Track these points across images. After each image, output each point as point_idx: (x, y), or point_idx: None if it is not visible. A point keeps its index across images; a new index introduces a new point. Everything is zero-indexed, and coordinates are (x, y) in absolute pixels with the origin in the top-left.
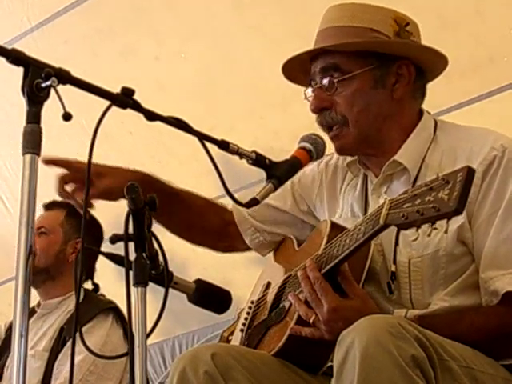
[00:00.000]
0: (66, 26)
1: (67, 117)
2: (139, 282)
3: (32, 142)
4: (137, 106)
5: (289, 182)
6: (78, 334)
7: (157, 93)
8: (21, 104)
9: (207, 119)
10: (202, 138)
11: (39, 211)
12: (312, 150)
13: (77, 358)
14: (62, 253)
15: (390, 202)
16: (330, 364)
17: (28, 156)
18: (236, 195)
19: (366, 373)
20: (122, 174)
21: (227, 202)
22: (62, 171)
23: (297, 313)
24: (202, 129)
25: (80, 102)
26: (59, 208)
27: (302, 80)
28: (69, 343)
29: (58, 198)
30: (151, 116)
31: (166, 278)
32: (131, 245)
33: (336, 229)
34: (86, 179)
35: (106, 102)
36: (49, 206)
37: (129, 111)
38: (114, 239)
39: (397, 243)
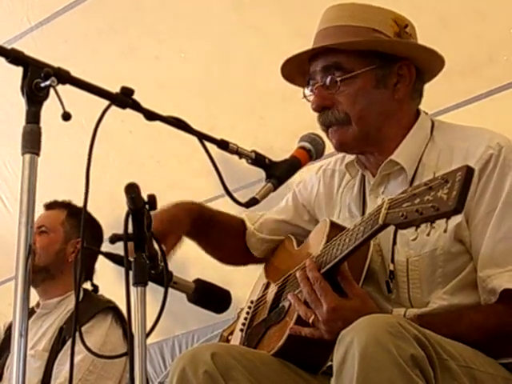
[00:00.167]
0: (66, 25)
1: (66, 116)
2: (139, 282)
3: (31, 141)
4: (136, 106)
5: (290, 195)
6: (77, 334)
7: (156, 92)
8: (20, 104)
9: (207, 119)
10: (202, 137)
11: (39, 211)
12: (311, 150)
13: (76, 358)
14: (62, 252)
15: (390, 201)
16: (329, 363)
17: (27, 156)
18: (235, 195)
19: (365, 372)
20: (179, 224)
21: (227, 202)
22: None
23: (296, 313)
24: (201, 128)
25: (79, 102)
26: (60, 208)
27: (299, 81)
28: (68, 343)
29: (59, 198)
30: (151, 115)
31: (165, 278)
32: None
33: (335, 228)
34: (86, 180)
35: (106, 102)
36: (50, 206)
37: (128, 111)
38: (114, 239)
39: (394, 242)
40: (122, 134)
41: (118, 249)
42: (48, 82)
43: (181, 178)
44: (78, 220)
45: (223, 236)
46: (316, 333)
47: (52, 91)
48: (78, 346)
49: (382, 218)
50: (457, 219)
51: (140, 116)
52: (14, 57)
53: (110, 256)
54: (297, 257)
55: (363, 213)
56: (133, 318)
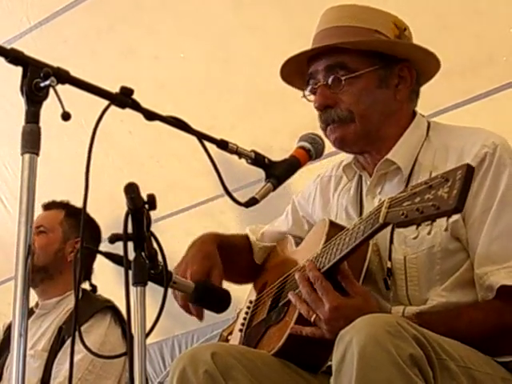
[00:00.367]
0: (65, 25)
1: (66, 116)
2: (138, 282)
3: (31, 141)
4: (136, 106)
5: (290, 206)
6: (76, 333)
7: (156, 92)
8: (20, 104)
9: (206, 119)
10: (201, 137)
11: (38, 211)
12: (311, 150)
13: (76, 357)
14: (60, 252)
15: (390, 200)
16: (329, 363)
17: (27, 156)
18: (235, 194)
19: (364, 371)
20: (214, 257)
21: (227, 202)
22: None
23: (296, 312)
24: (201, 128)
25: (79, 102)
26: (58, 208)
27: (297, 82)
28: (68, 342)
29: (59, 198)
30: (150, 115)
31: (165, 278)
32: (130, 244)
33: (334, 228)
34: (85, 180)
35: (106, 102)
36: (48, 206)
37: (128, 110)
38: (113, 239)
39: (391, 241)
40: (122, 133)
41: (117, 249)
42: (47, 82)
43: (180, 177)
44: (76, 220)
45: (239, 256)
46: (317, 332)
47: (51, 91)
48: (78, 346)
49: (383, 217)
50: (453, 217)
51: (139, 116)
52: (14, 57)
53: (110, 256)
54: (295, 256)
55: (360, 214)
56: (132, 317)
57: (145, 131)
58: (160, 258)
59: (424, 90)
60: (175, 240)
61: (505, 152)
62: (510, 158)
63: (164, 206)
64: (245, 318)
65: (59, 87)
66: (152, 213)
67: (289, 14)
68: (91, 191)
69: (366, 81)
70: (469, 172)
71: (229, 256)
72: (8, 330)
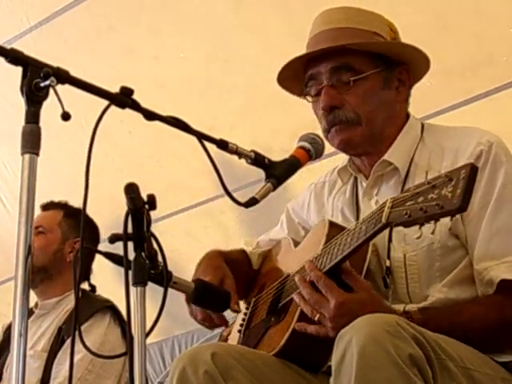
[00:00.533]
0: (65, 25)
1: (66, 116)
2: (138, 282)
3: (31, 141)
4: (136, 106)
5: (284, 215)
6: (76, 333)
7: (156, 92)
8: (20, 103)
9: (206, 119)
10: (201, 137)
11: (37, 211)
12: (311, 150)
13: (75, 357)
14: (59, 252)
15: (392, 200)
16: (330, 363)
17: (27, 156)
18: (235, 195)
19: (363, 371)
20: (223, 268)
21: (226, 202)
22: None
23: (298, 312)
24: (200, 128)
25: (79, 102)
26: (56, 208)
27: (292, 87)
28: (67, 342)
29: (59, 198)
30: (150, 115)
31: (165, 278)
32: (130, 244)
33: (334, 228)
34: (85, 180)
35: (106, 102)
36: (46, 207)
37: (128, 111)
38: (113, 239)
39: (390, 240)
40: (122, 134)
41: (117, 249)
42: (47, 82)
43: (180, 178)
44: (74, 220)
45: (241, 269)
46: (321, 330)
47: (51, 91)
48: (77, 346)
49: (386, 217)
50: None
51: (139, 116)
52: (14, 57)
53: (110, 256)
54: (295, 257)
55: (357, 215)
56: (132, 318)
57: (145, 131)
58: (160, 258)
59: (424, 90)
60: (175, 240)
61: (500, 149)
62: (505, 156)
63: (164, 206)
64: (243, 319)
65: (59, 87)
66: (152, 213)
67: (289, 14)
68: (91, 191)
69: (371, 82)
70: (473, 171)
71: (233, 270)
72: (8, 330)
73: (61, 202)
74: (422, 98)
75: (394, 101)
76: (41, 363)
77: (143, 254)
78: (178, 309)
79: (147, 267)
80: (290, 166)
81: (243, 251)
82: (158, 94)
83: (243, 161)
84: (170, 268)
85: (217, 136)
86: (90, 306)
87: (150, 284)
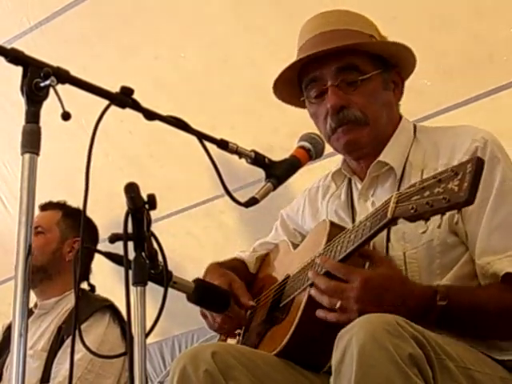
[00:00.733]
0: (65, 25)
1: (66, 116)
2: (138, 282)
3: (31, 141)
4: (136, 106)
5: (278, 221)
6: (76, 332)
7: (156, 92)
8: (21, 103)
9: (206, 118)
10: (201, 137)
11: (36, 211)
12: (311, 149)
13: (75, 357)
14: (58, 251)
15: (398, 195)
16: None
17: (27, 155)
18: (235, 194)
19: (363, 371)
20: (228, 274)
21: (227, 202)
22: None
23: (300, 311)
24: (201, 128)
25: (79, 101)
26: (55, 208)
27: (284, 94)
28: (67, 342)
29: (59, 198)
30: (150, 115)
31: (165, 278)
32: (130, 244)
33: (336, 228)
34: (85, 180)
35: (106, 102)
36: (45, 207)
37: (128, 110)
38: (114, 238)
39: (388, 239)
40: (122, 133)
41: (117, 249)
42: (47, 82)
43: (180, 177)
44: (73, 220)
45: (240, 277)
46: (342, 317)
47: (52, 91)
48: (77, 345)
49: (391, 212)
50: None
51: (139, 116)
52: (14, 56)
53: (110, 255)
54: (295, 258)
55: (353, 217)
56: (132, 317)
57: (145, 131)
58: (160, 257)
59: (424, 89)
60: (175, 240)
61: (495, 146)
62: (500, 152)
63: (164, 206)
64: None
65: (59, 87)
66: (152, 212)
67: (288, 14)
68: (91, 191)
69: (374, 83)
70: (479, 165)
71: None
72: (8, 330)
73: (59, 202)
74: (422, 98)
75: (393, 102)
76: (40, 363)
77: (143, 253)
78: (178, 309)
79: (147, 267)
80: (291, 166)
81: (237, 259)
82: (158, 94)
83: (243, 160)
84: (170, 268)
85: (217, 136)
86: (90, 305)
87: (150, 284)
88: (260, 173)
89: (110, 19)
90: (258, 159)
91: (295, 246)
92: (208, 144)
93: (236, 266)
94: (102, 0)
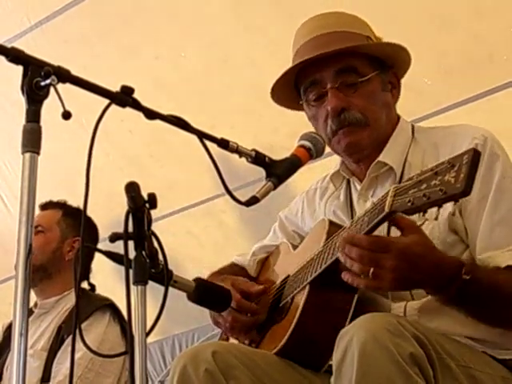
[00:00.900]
0: (66, 24)
1: (67, 115)
2: (139, 281)
3: (31, 140)
4: (136, 105)
5: (277, 223)
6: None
7: (156, 91)
8: (21, 102)
9: (207, 117)
10: (202, 136)
11: (37, 211)
12: (312, 148)
13: (76, 356)
14: (58, 251)
15: (395, 189)
16: (331, 362)
17: (27, 155)
18: (236, 193)
19: (363, 370)
20: (231, 277)
21: (227, 201)
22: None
23: (299, 311)
24: (201, 127)
25: (80, 101)
26: (55, 207)
27: (282, 99)
28: (67, 341)
29: (59, 197)
30: (151, 114)
31: (165, 277)
32: (131, 243)
33: (334, 226)
34: (86, 179)
35: (106, 101)
36: (45, 206)
37: (128, 110)
38: (114, 238)
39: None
40: (122, 133)
41: (117, 248)
42: (48, 81)
43: (181, 176)
44: (73, 219)
45: None
46: (372, 283)
47: (52, 90)
48: (77, 344)
49: (389, 206)
50: (449, 209)
51: (140, 115)
52: (14, 56)
53: (111, 255)
54: (295, 258)
55: (352, 218)
56: (133, 317)
57: (145, 130)
58: (160, 256)
59: (424, 89)
60: (176, 239)
61: (494, 143)
62: (500, 149)
63: (164, 205)
64: None
65: (60, 86)
66: (152, 212)
67: (288, 14)
68: (91, 190)
69: (373, 84)
70: (475, 156)
71: None
72: (8, 329)
73: (59, 202)
74: (423, 97)
75: (391, 103)
76: (41, 362)
77: (144, 252)
78: (178, 308)
79: (148, 266)
80: (291, 165)
81: (235, 264)
82: (158, 94)
83: (244, 160)
84: (170, 267)
85: (217, 135)
86: (90, 304)
87: (150, 283)
88: (260, 172)
89: (111, 19)
90: (258, 158)
91: (295, 247)
92: (208, 143)
93: (234, 270)
94: (102, 0)
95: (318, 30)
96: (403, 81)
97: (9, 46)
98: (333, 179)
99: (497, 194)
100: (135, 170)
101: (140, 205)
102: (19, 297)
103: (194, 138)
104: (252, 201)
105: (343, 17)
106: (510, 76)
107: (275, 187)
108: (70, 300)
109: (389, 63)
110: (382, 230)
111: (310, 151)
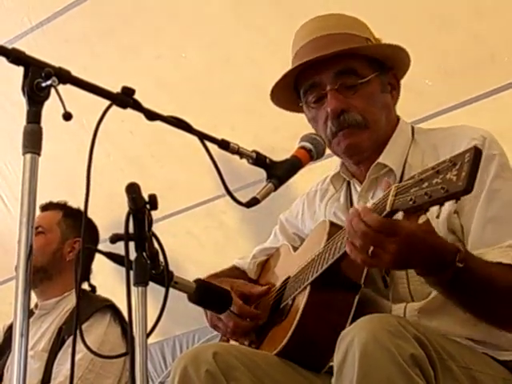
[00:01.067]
0: (67, 25)
1: (67, 116)
2: (139, 282)
3: (32, 141)
4: (137, 106)
5: (277, 226)
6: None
7: (157, 92)
8: (22, 103)
9: (207, 119)
10: (203, 137)
11: (37, 212)
12: (312, 150)
13: (76, 357)
14: (59, 252)
15: (396, 187)
16: (332, 363)
17: (28, 156)
18: (236, 194)
19: (364, 371)
20: (229, 279)
21: (228, 202)
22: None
23: (299, 312)
24: (202, 128)
25: (80, 101)
26: (55, 208)
27: (283, 101)
28: (67, 342)
29: (60, 198)
30: (151, 115)
31: (166, 278)
32: (131, 244)
33: (335, 227)
34: (87, 180)
35: (107, 102)
36: (46, 207)
37: (129, 111)
38: (115, 239)
39: None
40: (123, 133)
41: (118, 249)
42: (49, 82)
43: (181, 177)
44: (74, 220)
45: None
46: (370, 260)
47: (53, 91)
48: (78, 345)
49: (390, 205)
50: (448, 209)
51: (140, 116)
52: (15, 57)
53: (111, 256)
54: (295, 260)
55: None
56: (133, 318)
57: (146, 131)
58: (161, 257)
59: (425, 89)
60: (176, 240)
61: (493, 144)
62: (498, 150)
63: (165, 206)
64: None
65: (60, 87)
66: (153, 213)
67: (289, 13)
68: (92, 191)
69: (372, 86)
70: (477, 154)
71: None
72: (9, 330)
73: (60, 203)
74: (423, 98)
75: (391, 104)
76: (41, 364)
77: (144, 253)
78: (179, 309)
79: (148, 267)
80: (292, 166)
81: (236, 267)
82: (159, 94)
83: (244, 161)
84: (170, 268)
85: (218, 136)
86: (90, 305)
87: (151, 284)
88: (261, 173)
89: (111, 19)
90: (259, 159)
91: (295, 248)
92: (209, 144)
93: (236, 275)
94: (103, 0)
95: (318, 31)
96: (404, 82)
97: (10, 46)
98: (333, 181)
99: (489, 192)
100: (136, 171)
101: (141, 206)
102: (20, 298)
103: (195, 138)
104: (252, 202)
105: (342, 18)
106: (511, 77)
107: (276, 188)
108: (70, 301)
109: (388, 64)
110: None
111: (311, 152)
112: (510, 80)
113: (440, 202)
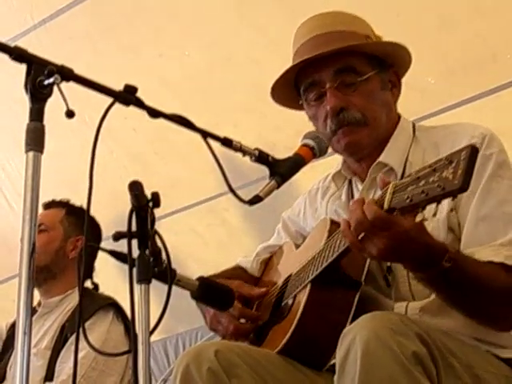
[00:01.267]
0: (69, 23)
1: (70, 114)
2: (142, 279)
3: (35, 139)
4: (140, 104)
5: (280, 225)
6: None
7: (160, 90)
8: (24, 101)
9: (210, 116)
10: (205, 135)
11: (40, 210)
12: (315, 147)
13: (78, 355)
14: (61, 250)
15: (394, 185)
16: (334, 361)
17: (31, 153)
18: (239, 192)
19: (366, 369)
20: (228, 281)
21: (230, 200)
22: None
23: (300, 309)
24: (204, 126)
25: (83, 99)
26: (58, 206)
27: (283, 98)
28: (70, 340)
29: (63, 196)
30: (154, 113)
31: (169, 275)
32: (134, 242)
33: (336, 225)
34: (89, 177)
35: (110, 99)
36: (48, 205)
37: (132, 108)
38: (117, 236)
39: None
40: (126, 131)
41: (121, 246)
42: (51, 80)
43: (184, 175)
44: (76, 218)
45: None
46: (357, 244)
47: (55, 89)
48: (81, 343)
49: (388, 203)
50: (446, 208)
51: (143, 113)
52: (18, 54)
53: (114, 253)
54: (297, 257)
55: None
56: (136, 315)
57: (149, 129)
58: (164, 255)
59: (428, 88)
60: (179, 237)
61: (492, 141)
62: (497, 147)
63: (168, 204)
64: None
65: (63, 85)
66: (156, 210)
67: (290, 12)
68: (95, 189)
69: (372, 83)
70: (473, 152)
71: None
72: (12, 328)
73: (62, 201)
74: (426, 96)
75: (391, 102)
76: (44, 361)
77: (147, 251)
78: (182, 306)
79: (151, 265)
80: (294, 164)
81: (239, 266)
82: (162, 92)
83: (247, 158)
84: (173, 265)
85: (221, 134)
86: (93, 303)
87: (153, 281)
88: (264, 171)
89: (114, 17)
90: (261, 157)
91: (298, 246)
92: (212, 142)
93: (238, 274)
94: None
95: (318, 29)
96: (406, 80)
97: (12, 44)
98: (334, 179)
99: (484, 191)
100: (139, 168)
101: (143, 203)
102: (23, 295)
103: (198, 136)
104: (255, 200)
105: (342, 16)
106: None
107: (279, 186)
108: (73, 299)
109: (389, 62)
110: None
111: (314, 150)
112: (511, 78)
113: (436, 200)
